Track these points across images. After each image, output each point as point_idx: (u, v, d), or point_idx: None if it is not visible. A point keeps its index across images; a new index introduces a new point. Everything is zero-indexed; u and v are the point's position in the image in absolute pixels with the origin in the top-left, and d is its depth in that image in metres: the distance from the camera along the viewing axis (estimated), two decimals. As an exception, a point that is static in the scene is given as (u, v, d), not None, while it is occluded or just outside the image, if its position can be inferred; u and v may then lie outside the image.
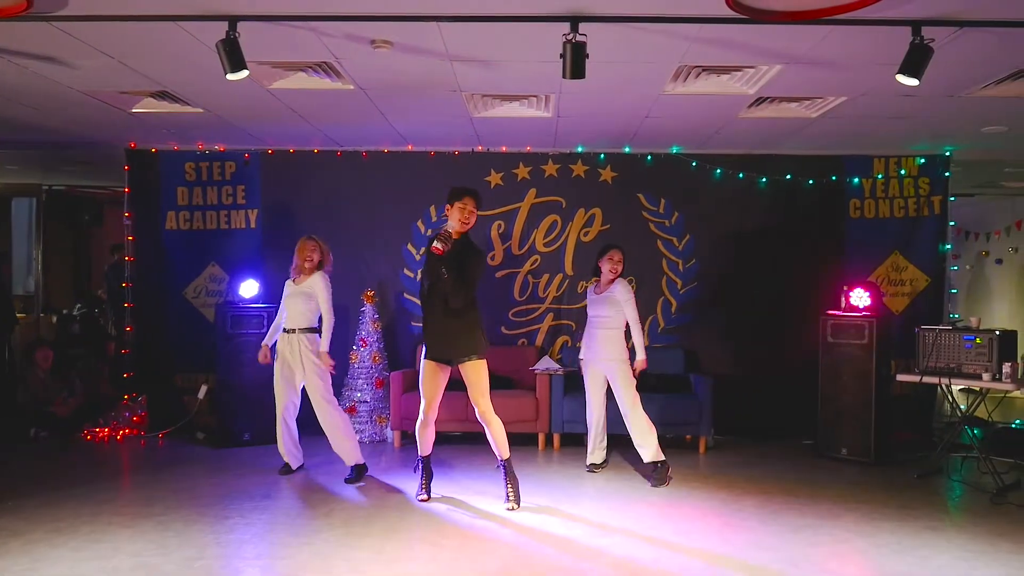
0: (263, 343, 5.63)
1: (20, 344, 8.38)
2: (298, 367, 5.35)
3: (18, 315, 8.73)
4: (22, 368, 7.42)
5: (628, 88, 4.99)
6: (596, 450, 5.66)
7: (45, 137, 6.48)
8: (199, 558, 3.83)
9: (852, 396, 6.02)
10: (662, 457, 5.31)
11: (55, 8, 3.60)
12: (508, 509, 4.65)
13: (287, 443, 5.49)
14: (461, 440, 6.46)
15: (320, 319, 5.42)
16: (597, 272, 5.58)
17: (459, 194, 4.55)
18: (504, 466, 4.74)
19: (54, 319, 9.59)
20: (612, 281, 5.48)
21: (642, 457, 5.36)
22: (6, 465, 5.90)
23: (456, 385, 4.91)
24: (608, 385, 5.52)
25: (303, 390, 5.44)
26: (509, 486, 4.72)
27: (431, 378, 4.65)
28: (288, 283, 5.53)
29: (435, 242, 4.38)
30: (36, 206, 8.93)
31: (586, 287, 5.99)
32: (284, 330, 5.42)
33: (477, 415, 4.71)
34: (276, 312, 5.65)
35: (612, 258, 5.48)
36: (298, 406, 5.49)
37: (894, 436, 6.30)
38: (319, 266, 5.48)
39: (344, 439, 5.27)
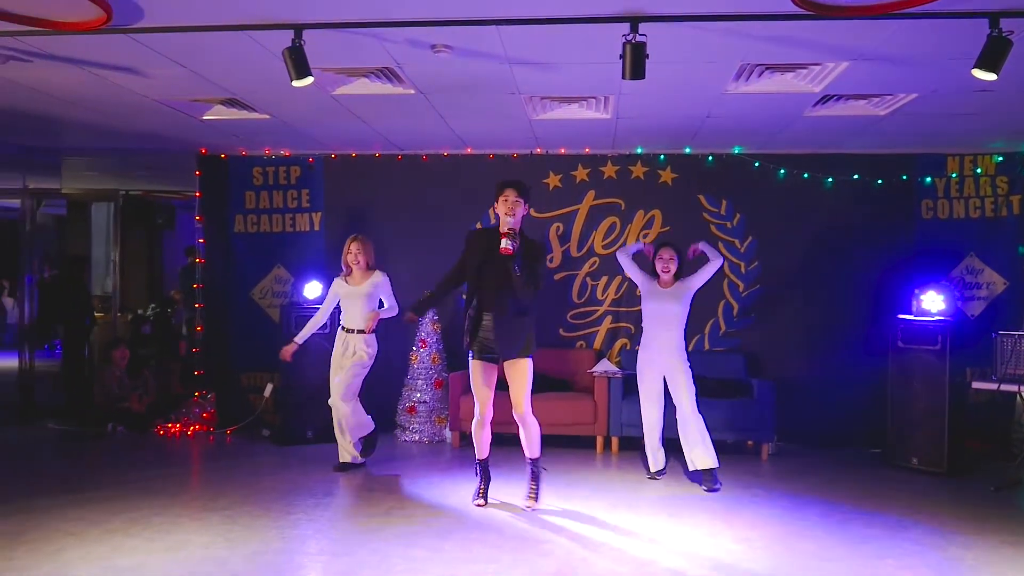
0: (295, 340, 5.70)
1: (99, 343, 8.79)
2: (347, 361, 5.49)
3: (96, 315, 9.16)
4: (100, 366, 7.76)
5: (689, 88, 4.92)
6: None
7: (122, 143, 6.76)
8: (264, 552, 3.94)
9: (924, 403, 5.79)
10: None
11: (133, 21, 3.77)
12: (527, 507, 4.73)
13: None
14: (517, 442, 6.46)
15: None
16: (655, 274, 5.51)
17: (500, 188, 4.65)
18: (532, 465, 4.83)
19: (129, 318, 10.01)
20: (672, 278, 5.41)
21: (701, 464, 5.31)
22: (85, 458, 6.19)
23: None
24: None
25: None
26: (532, 483, 4.83)
27: (481, 377, 4.68)
28: (339, 282, 5.61)
29: (504, 242, 4.41)
30: (114, 210, 9.32)
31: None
32: (343, 328, 5.56)
33: (515, 415, 4.72)
34: (335, 312, 5.75)
35: (663, 256, 5.41)
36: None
37: (969, 446, 6.04)
38: (368, 266, 5.58)
39: (351, 437, 5.53)
